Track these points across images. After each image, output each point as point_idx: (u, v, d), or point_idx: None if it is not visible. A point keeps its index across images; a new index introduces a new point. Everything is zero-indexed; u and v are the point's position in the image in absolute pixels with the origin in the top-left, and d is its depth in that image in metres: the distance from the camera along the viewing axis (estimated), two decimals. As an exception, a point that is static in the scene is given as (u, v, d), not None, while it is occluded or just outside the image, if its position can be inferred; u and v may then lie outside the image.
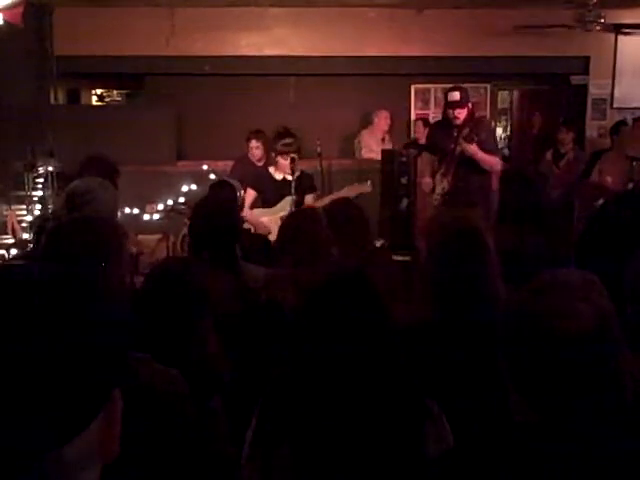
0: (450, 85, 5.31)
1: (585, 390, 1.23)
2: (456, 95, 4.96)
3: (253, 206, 4.94)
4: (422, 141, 7.44)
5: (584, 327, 1.21)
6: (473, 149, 4.86)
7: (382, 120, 7.54)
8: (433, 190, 5.13)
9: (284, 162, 4.80)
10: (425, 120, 7.68)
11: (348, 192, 4.68)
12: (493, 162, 4.95)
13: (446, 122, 5.14)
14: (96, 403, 0.76)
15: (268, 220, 4.82)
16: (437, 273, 2.08)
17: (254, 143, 5.95)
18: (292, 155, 4.75)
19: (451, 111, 4.98)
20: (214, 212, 2.92)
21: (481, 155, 4.88)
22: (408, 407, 1.60)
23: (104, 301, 0.83)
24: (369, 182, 4.99)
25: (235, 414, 2.03)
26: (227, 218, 2.93)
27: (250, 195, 4.92)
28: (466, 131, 4.90)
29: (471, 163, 4.93)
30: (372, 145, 7.29)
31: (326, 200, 4.38)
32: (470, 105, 5.09)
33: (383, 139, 7.53)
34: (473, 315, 2.00)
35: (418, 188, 5.43)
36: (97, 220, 2.14)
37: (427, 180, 5.21)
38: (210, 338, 2.10)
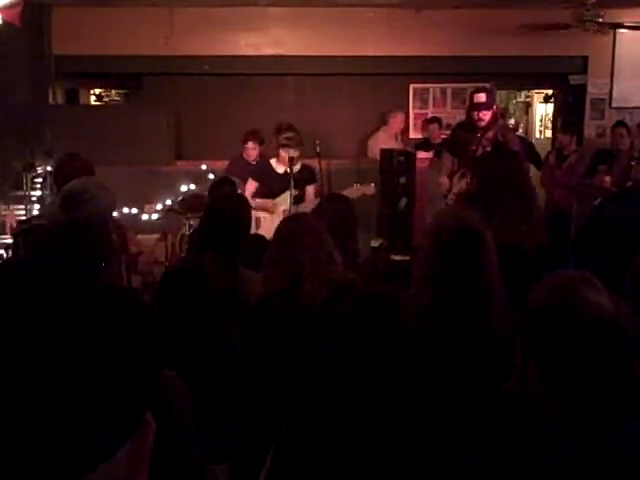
0: (478, 85, 5.18)
1: (609, 388, 1.26)
2: (482, 97, 4.85)
3: (255, 197, 4.97)
4: (435, 141, 7.39)
5: (609, 315, 1.27)
6: None
7: (397, 122, 7.56)
8: (449, 190, 5.05)
9: (285, 155, 4.84)
10: (440, 121, 7.59)
11: (350, 193, 4.65)
12: None
13: (470, 124, 5.01)
14: (125, 427, 0.63)
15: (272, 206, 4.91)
16: (436, 268, 2.07)
17: (251, 144, 5.99)
18: (292, 152, 4.77)
19: (476, 113, 4.85)
20: (227, 211, 2.89)
21: None
22: (433, 459, 1.45)
23: (138, 314, 0.73)
24: (372, 184, 4.96)
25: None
26: (239, 219, 2.92)
27: (252, 186, 4.98)
28: (490, 133, 4.82)
29: None
30: (389, 145, 7.24)
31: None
32: (495, 107, 4.98)
33: (396, 138, 7.55)
34: (467, 303, 2.00)
35: (417, 188, 5.41)
36: (93, 220, 2.12)
37: (444, 180, 5.06)
38: (237, 339, 2.08)
